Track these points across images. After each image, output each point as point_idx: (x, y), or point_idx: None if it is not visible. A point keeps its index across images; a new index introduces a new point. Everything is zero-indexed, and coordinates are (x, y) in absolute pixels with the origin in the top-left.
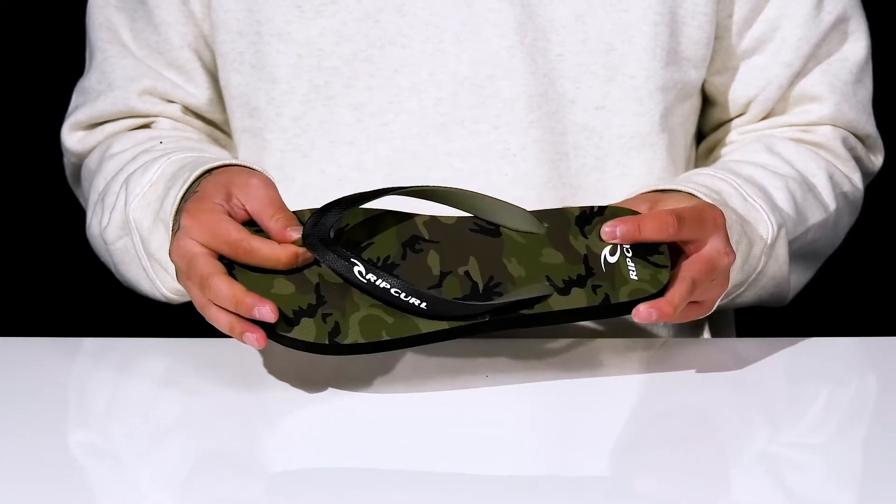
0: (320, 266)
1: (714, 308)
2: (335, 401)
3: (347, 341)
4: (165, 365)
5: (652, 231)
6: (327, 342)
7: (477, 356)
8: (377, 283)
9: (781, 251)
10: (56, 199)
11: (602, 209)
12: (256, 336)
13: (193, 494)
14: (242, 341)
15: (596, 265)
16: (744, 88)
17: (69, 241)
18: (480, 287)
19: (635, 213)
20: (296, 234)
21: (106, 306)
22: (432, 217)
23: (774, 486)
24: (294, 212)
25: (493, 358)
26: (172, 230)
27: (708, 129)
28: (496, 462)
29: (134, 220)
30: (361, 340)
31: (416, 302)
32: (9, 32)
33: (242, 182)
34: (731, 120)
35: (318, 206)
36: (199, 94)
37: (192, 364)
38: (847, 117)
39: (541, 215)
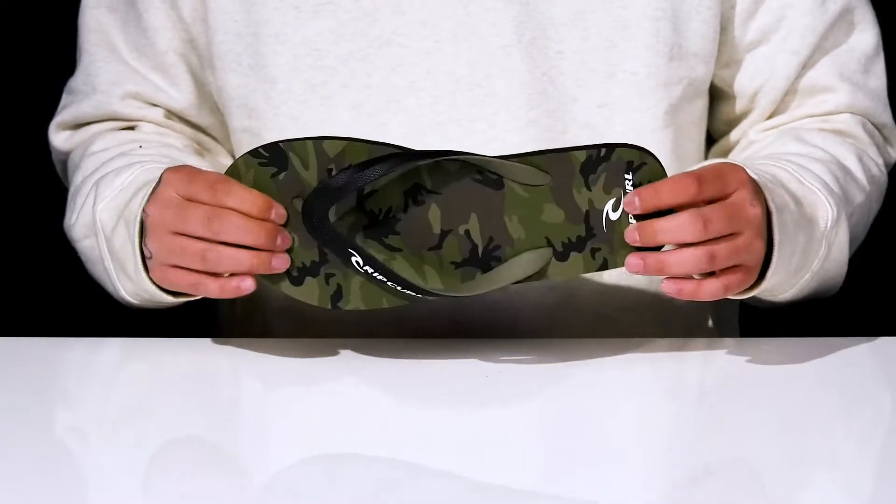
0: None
1: (764, 285)
2: (332, 400)
3: (349, 307)
4: (157, 365)
5: (671, 194)
6: (330, 307)
7: (477, 356)
8: (374, 274)
9: (843, 235)
10: (48, 198)
11: (609, 152)
12: (284, 257)
13: (190, 492)
14: (271, 270)
15: (597, 223)
16: (750, 79)
17: (59, 241)
18: (480, 250)
19: (644, 151)
20: (281, 216)
21: (95, 306)
22: (436, 163)
23: (781, 487)
24: (294, 142)
25: (493, 358)
26: (137, 228)
27: (719, 129)
28: (496, 462)
29: (100, 221)
30: (363, 307)
31: (412, 293)
32: (7, 31)
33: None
34: (741, 117)
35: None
36: (182, 99)
37: (185, 364)
38: (863, 105)
39: (548, 161)
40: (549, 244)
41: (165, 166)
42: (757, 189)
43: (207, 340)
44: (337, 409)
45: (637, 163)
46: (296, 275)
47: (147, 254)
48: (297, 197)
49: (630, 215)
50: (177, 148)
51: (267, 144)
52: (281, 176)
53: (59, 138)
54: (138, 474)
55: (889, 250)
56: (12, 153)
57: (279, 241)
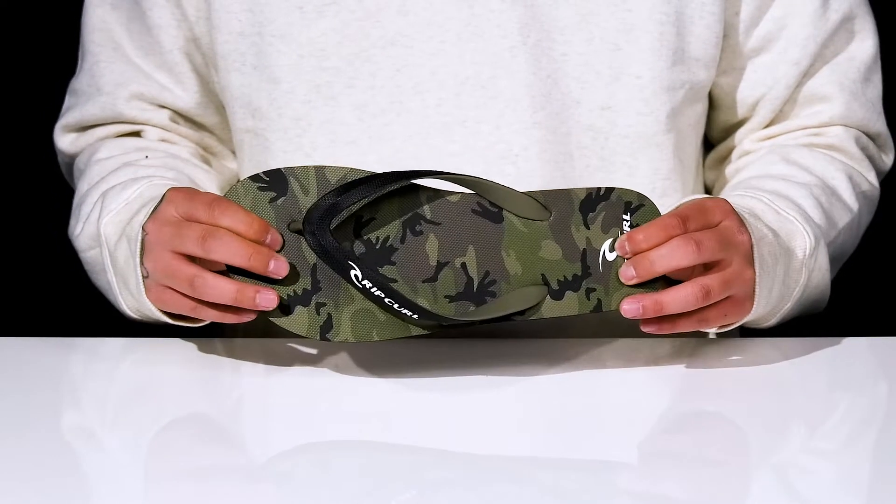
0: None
1: (748, 316)
2: (332, 400)
3: (338, 339)
4: (158, 365)
5: (658, 236)
6: (318, 338)
7: (477, 356)
8: (372, 290)
9: (822, 260)
10: (49, 199)
11: (609, 192)
12: (270, 296)
13: (190, 493)
14: (255, 307)
15: (593, 263)
16: (751, 88)
17: (59, 241)
18: (475, 284)
19: (641, 194)
20: (277, 242)
21: (96, 306)
22: (436, 192)
23: (781, 487)
24: (297, 168)
25: (493, 358)
26: (138, 245)
27: (716, 135)
28: (496, 462)
29: (104, 235)
30: (352, 340)
31: (408, 313)
32: (8, 30)
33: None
34: (739, 124)
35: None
36: (188, 98)
37: (186, 364)
38: (857, 116)
39: (547, 198)
40: (545, 282)
41: (172, 182)
42: (741, 219)
43: (209, 340)
44: (338, 408)
45: (635, 204)
46: (286, 303)
47: (144, 273)
48: (294, 222)
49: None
50: (182, 158)
51: (269, 170)
52: (279, 201)
53: (64, 141)
54: (139, 474)
55: (889, 250)
56: (13, 153)
57: (272, 265)
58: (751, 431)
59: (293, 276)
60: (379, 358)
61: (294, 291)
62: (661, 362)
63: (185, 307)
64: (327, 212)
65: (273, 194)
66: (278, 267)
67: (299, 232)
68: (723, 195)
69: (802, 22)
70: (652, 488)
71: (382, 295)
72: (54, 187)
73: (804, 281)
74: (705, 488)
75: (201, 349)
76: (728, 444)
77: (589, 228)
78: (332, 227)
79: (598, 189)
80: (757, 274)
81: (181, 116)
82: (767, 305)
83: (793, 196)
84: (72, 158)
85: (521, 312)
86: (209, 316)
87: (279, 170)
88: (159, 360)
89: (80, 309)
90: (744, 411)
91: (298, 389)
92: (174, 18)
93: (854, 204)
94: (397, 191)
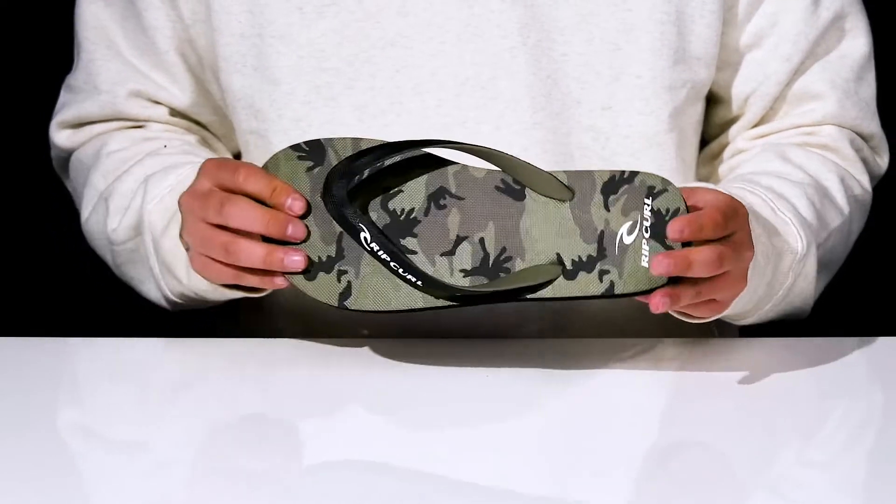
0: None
1: (726, 311)
2: (331, 400)
3: (355, 307)
4: (159, 365)
5: (711, 231)
6: (336, 304)
7: (477, 356)
8: (378, 252)
9: (811, 268)
10: (48, 198)
11: (633, 175)
12: (297, 257)
13: (191, 493)
14: (284, 268)
15: (610, 245)
16: (743, 83)
17: (59, 241)
18: (490, 259)
19: (665, 181)
20: (297, 206)
21: (96, 306)
22: (463, 167)
23: (773, 489)
24: (336, 139)
25: (493, 358)
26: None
27: (711, 132)
28: (495, 461)
29: (149, 222)
30: (370, 306)
31: (412, 278)
32: (6, 28)
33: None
34: (731, 122)
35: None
36: (184, 97)
37: (189, 364)
38: (850, 115)
39: (571, 178)
40: (560, 261)
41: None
42: (751, 231)
43: (214, 340)
44: (340, 408)
45: (658, 188)
46: (310, 269)
47: (185, 246)
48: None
49: (644, 241)
50: (193, 143)
51: (308, 140)
52: (316, 170)
53: (60, 136)
54: (139, 475)
55: (887, 251)
56: (12, 154)
57: (290, 230)
58: (746, 431)
59: (321, 242)
60: (383, 357)
61: (320, 258)
62: (659, 363)
63: (227, 275)
64: (343, 174)
65: (311, 163)
66: (296, 231)
67: None
68: (721, 186)
69: (794, 18)
70: (649, 489)
71: (388, 259)
72: (54, 187)
73: (789, 284)
74: (702, 487)
75: (205, 350)
76: (725, 444)
77: (609, 210)
78: (351, 188)
79: (623, 172)
80: (749, 266)
81: (178, 113)
82: (749, 302)
83: (787, 195)
84: (67, 153)
85: (532, 290)
86: (251, 281)
87: (319, 140)
88: (159, 361)
89: (81, 309)
90: (740, 411)
91: (302, 392)
92: (169, 20)
93: (845, 207)
94: (425, 164)
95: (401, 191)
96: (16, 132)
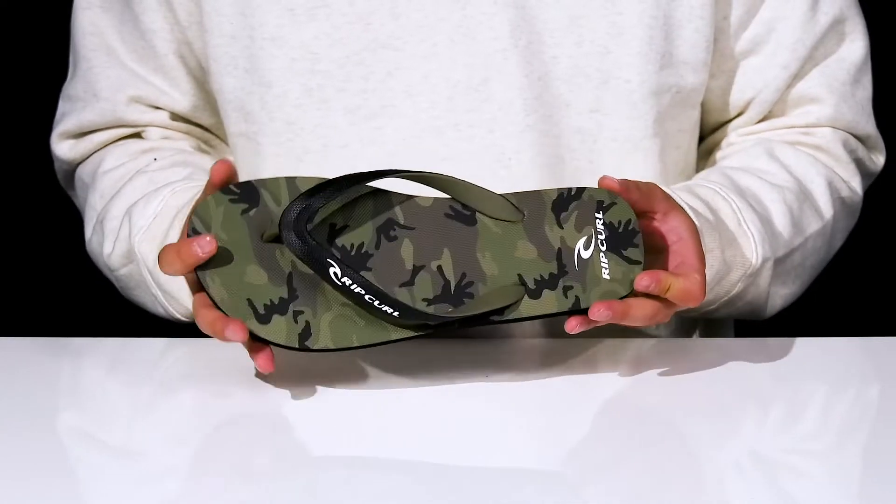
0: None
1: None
2: (329, 400)
3: (317, 346)
4: (158, 365)
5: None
6: (297, 346)
7: (477, 356)
8: (352, 287)
9: (764, 281)
10: (48, 199)
11: (580, 192)
12: (233, 327)
13: (189, 493)
14: (225, 339)
15: (569, 261)
16: (741, 91)
17: (59, 241)
18: (452, 286)
19: (612, 194)
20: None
21: (95, 306)
22: (408, 197)
23: (770, 490)
24: (268, 180)
25: (492, 358)
26: None
27: (706, 132)
28: (495, 461)
29: (140, 254)
30: (331, 346)
31: (389, 310)
32: (6, 32)
33: None
34: (728, 123)
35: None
36: (184, 101)
37: (187, 364)
38: (846, 118)
39: (519, 199)
40: (522, 281)
41: (191, 185)
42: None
43: (211, 340)
44: (337, 408)
45: (607, 202)
46: (262, 312)
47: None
48: (267, 232)
49: (601, 255)
50: (188, 151)
51: (239, 182)
52: (252, 212)
53: (62, 147)
54: (139, 475)
55: (885, 251)
56: (12, 154)
57: (227, 333)
58: (745, 431)
59: (270, 285)
60: (380, 357)
61: (271, 301)
62: (653, 362)
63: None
64: (301, 213)
65: (245, 206)
66: (233, 333)
67: (273, 240)
68: (701, 177)
69: (792, 25)
70: (644, 487)
71: (363, 292)
72: (53, 187)
73: (737, 293)
74: (699, 487)
75: (201, 350)
76: (722, 445)
77: (563, 228)
78: (308, 229)
79: (570, 189)
80: None
81: (179, 117)
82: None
83: (764, 199)
84: (70, 165)
85: (500, 312)
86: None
87: (250, 182)
88: (159, 361)
89: (80, 309)
90: (737, 411)
91: (298, 392)
92: (167, 23)
93: (828, 210)
94: (370, 197)
95: (347, 226)
96: (15, 132)
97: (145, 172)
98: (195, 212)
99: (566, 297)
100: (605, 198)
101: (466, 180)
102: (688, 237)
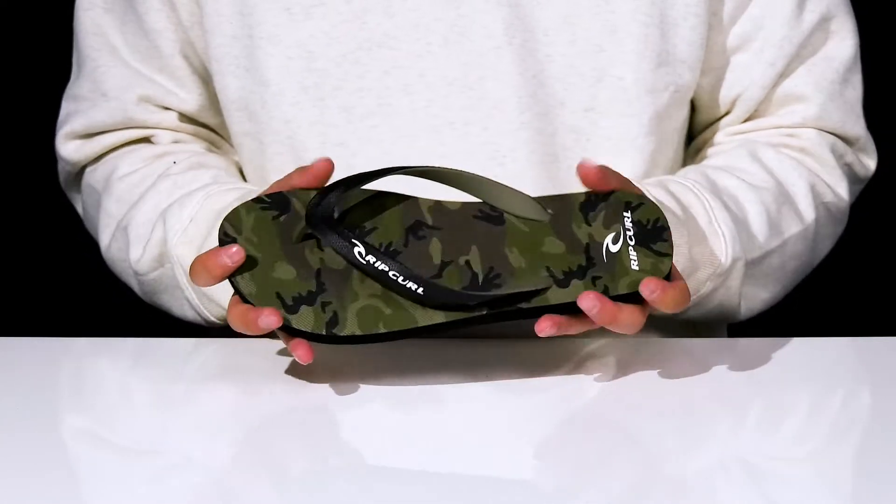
0: (322, 250)
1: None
2: (331, 400)
3: (345, 332)
4: (157, 364)
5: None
6: (324, 332)
7: (477, 356)
8: (376, 264)
9: (734, 282)
10: (48, 199)
11: (607, 194)
12: (267, 314)
13: (187, 494)
14: (258, 328)
15: (597, 254)
16: (728, 88)
17: (59, 241)
18: (480, 278)
19: (641, 195)
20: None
21: (94, 306)
22: (437, 202)
23: (763, 491)
24: (299, 190)
25: (492, 358)
26: None
27: (696, 130)
28: (494, 461)
29: (177, 256)
30: (358, 332)
31: (413, 287)
32: (6, 32)
33: None
34: (715, 121)
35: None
36: (191, 101)
37: (184, 364)
38: (833, 118)
39: (545, 201)
40: (550, 273)
41: (227, 189)
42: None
43: (210, 340)
44: (336, 409)
45: (635, 203)
46: (290, 304)
47: None
48: (297, 232)
49: (630, 246)
50: (201, 153)
51: (271, 193)
52: (282, 217)
53: (68, 148)
54: (137, 475)
55: (880, 251)
56: (11, 153)
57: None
58: (742, 431)
59: (299, 280)
60: (379, 357)
61: (299, 293)
62: (648, 362)
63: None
64: (326, 200)
65: (276, 212)
66: (267, 319)
67: (304, 238)
68: (679, 174)
69: (779, 22)
70: (641, 486)
71: (387, 269)
72: (53, 187)
73: (705, 292)
74: (696, 486)
75: (199, 350)
76: (720, 444)
77: (591, 225)
78: (335, 217)
79: (597, 192)
80: None
81: (186, 118)
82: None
83: (740, 199)
84: (75, 166)
85: (528, 299)
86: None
87: (281, 192)
88: (159, 361)
89: (80, 309)
90: (735, 411)
91: (296, 393)
92: (171, 23)
93: (810, 214)
94: (398, 202)
95: (376, 228)
96: (13, 132)
97: (168, 176)
98: (227, 219)
99: (595, 285)
100: (633, 199)
101: (493, 179)
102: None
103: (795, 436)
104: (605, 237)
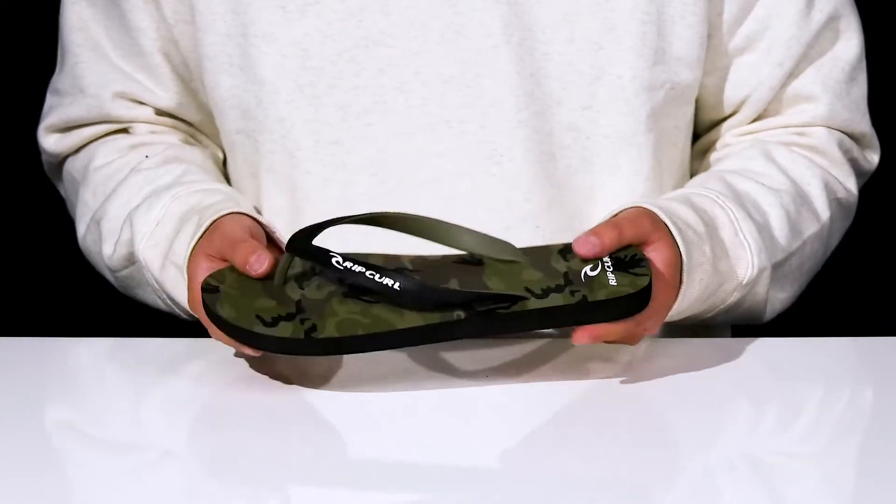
0: (302, 288)
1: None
2: (329, 401)
3: (324, 335)
4: (154, 365)
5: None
6: (303, 337)
7: (477, 356)
8: (353, 268)
9: (762, 289)
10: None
11: None
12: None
13: (186, 494)
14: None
15: (576, 278)
16: (735, 89)
17: (59, 241)
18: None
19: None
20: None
21: (92, 306)
22: (419, 255)
23: (765, 490)
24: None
25: (493, 358)
26: (186, 272)
27: (702, 129)
28: (494, 461)
29: (144, 260)
30: (336, 335)
31: (390, 283)
32: (5, 29)
33: (228, 232)
34: (722, 122)
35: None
36: (169, 98)
37: (182, 363)
38: (841, 116)
39: (524, 251)
40: (529, 290)
41: (193, 191)
42: (678, 267)
43: (205, 340)
44: (335, 409)
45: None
46: (269, 321)
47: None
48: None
49: (608, 270)
50: (177, 145)
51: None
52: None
53: (49, 141)
54: (132, 476)
55: (883, 251)
56: (13, 153)
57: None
58: (742, 431)
59: (278, 305)
60: (377, 357)
61: (279, 314)
62: (650, 362)
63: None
64: (309, 235)
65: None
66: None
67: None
68: (698, 182)
69: (787, 22)
70: (640, 486)
71: (364, 269)
72: (52, 187)
73: (734, 301)
74: (696, 486)
75: (199, 349)
76: (719, 444)
77: (568, 262)
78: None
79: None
80: (683, 291)
81: (164, 113)
82: (686, 310)
83: (762, 204)
84: (56, 158)
85: (507, 305)
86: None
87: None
88: (157, 361)
89: (80, 309)
90: (735, 411)
91: (294, 393)
92: (153, 20)
93: (825, 212)
94: (380, 257)
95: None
96: (17, 132)
97: (139, 171)
98: (211, 275)
99: (573, 296)
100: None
101: (472, 229)
102: (662, 272)
103: (796, 435)
104: (584, 267)
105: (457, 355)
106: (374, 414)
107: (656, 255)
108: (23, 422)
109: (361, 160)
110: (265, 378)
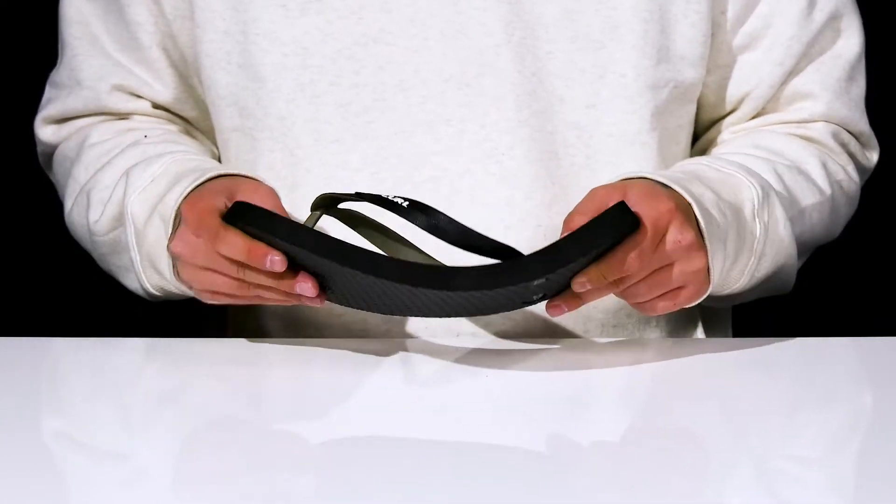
0: None
1: (706, 294)
2: (329, 401)
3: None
4: (142, 365)
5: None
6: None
7: (476, 356)
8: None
9: (779, 213)
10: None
11: None
12: (309, 284)
13: (186, 494)
14: (295, 292)
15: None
16: (735, 86)
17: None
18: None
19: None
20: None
21: (90, 306)
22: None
23: (766, 491)
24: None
25: (493, 358)
26: (172, 226)
27: (700, 130)
28: (494, 460)
29: (131, 213)
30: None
31: (399, 200)
32: (5, 26)
33: (250, 188)
34: (722, 119)
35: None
36: (167, 93)
37: (171, 363)
38: (840, 115)
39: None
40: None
41: (193, 158)
42: (685, 215)
43: (199, 340)
44: (329, 410)
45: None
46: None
47: (172, 255)
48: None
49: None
50: (175, 132)
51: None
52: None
53: (45, 132)
54: (120, 479)
55: (883, 250)
56: (12, 152)
57: (268, 262)
58: (742, 431)
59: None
60: (376, 358)
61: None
62: (650, 361)
63: (228, 286)
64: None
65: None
66: (274, 264)
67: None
68: (669, 173)
69: (788, 21)
70: (641, 486)
71: (378, 193)
72: (53, 187)
73: (761, 232)
74: (696, 485)
75: (187, 350)
76: (719, 444)
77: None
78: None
79: None
80: (704, 229)
81: (161, 107)
82: (726, 258)
83: (750, 165)
84: (52, 149)
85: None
86: (252, 295)
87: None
88: (144, 362)
89: (63, 308)
90: (735, 411)
91: (293, 394)
92: (152, 15)
93: (826, 188)
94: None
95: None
96: (17, 131)
97: (138, 145)
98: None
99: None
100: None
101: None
102: (631, 185)
103: (796, 435)
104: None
105: (457, 355)
106: (374, 414)
107: (660, 205)
108: (17, 422)
109: (361, 158)
110: (260, 383)
